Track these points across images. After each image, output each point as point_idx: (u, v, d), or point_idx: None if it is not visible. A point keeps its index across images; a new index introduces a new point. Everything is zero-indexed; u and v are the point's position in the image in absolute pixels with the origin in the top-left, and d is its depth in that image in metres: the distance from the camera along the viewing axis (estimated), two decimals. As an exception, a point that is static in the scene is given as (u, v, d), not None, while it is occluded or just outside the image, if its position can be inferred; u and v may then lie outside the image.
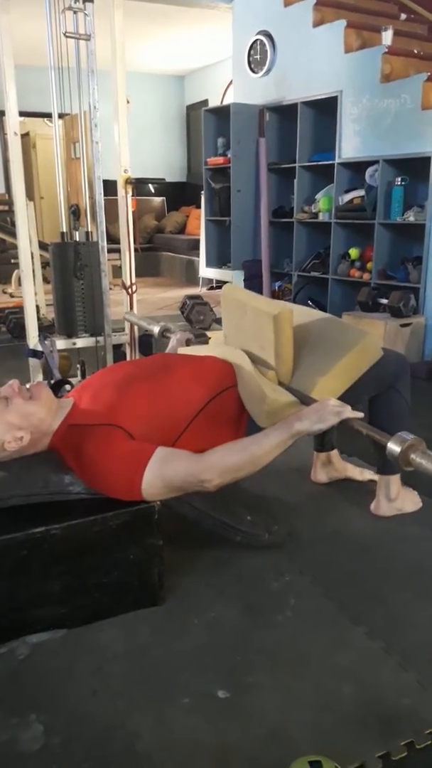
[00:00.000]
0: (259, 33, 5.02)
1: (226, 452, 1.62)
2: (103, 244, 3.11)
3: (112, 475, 1.60)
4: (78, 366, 3.41)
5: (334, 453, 2.41)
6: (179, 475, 1.58)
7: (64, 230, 3.33)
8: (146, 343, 3.38)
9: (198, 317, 3.70)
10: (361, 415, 1.61)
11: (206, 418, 1.77)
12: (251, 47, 5.14)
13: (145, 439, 1.64)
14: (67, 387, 2.06)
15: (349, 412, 1.58)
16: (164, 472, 1.58)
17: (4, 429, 1.60)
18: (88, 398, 1.77)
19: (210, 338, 2.35)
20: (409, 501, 2.21)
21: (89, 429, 1.65)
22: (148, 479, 1.57)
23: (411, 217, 4.05)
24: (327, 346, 1.87)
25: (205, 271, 6.65)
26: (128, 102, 3.23)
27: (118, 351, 3.41)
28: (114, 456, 1.60)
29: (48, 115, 3.27)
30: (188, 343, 2.29)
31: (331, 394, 1.74)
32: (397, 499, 2.16)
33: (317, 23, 4.56)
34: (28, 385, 1.70)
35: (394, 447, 1.45)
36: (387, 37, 4.19)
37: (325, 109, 4.62)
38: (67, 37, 2.94)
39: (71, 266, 3.18)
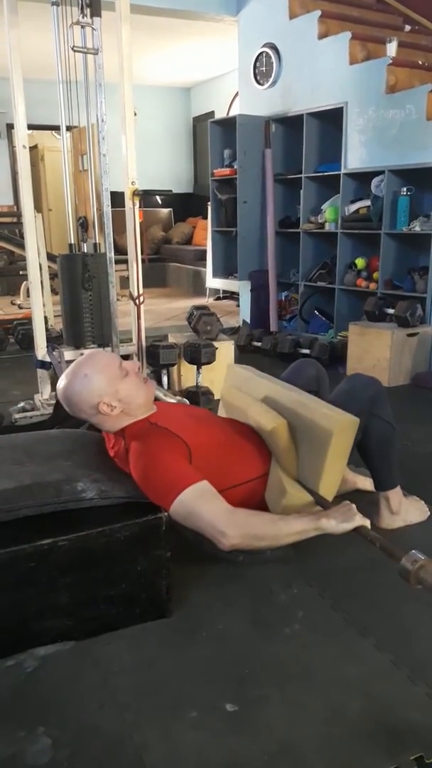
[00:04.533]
0: (264, 45, 5.05)
1: (255, 517, 1.70)
2: (111, 255, 3.12)
3: (156, 478, 1.68)
4: (85, 377, 3.41)
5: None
6: (206, 516, 1.63)
7: (72, 242, 3.36)
8: (154, 354, 3.39)
9: (205, 328, 3.70)
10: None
11: (245, 492, 1.86)
12: (257, 59, 5.17)
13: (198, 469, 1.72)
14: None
15: (367, 522, 1.68)
16: (196, 504, 1.64)
17: (110, 391, 1.73)
18: (167, 417, 1.86)
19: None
20: (415, 511, 2.20)
21: (164, 431, 1.76)
22: (181, 500, 1.63)
23: (417, 227, 4.05)
24: (310, 440, 1.87)
25: (212, 282, 6.68)
26: (135, 114, 3.25)
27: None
28: (167, 463, 1.69)
29: (56, 128, 3.30)
30: None
31: (337, 479, 1.87)
32: (400, 511, 2.15)
33: (322, 35, 4.59)
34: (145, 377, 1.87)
35: (407, 565, 1.46)
36: (392, 48, 4.20)
37: (331, 120, 4.64)
38: (75, 51, 2.97)
39: (79, 277, 3.19)
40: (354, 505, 1.71)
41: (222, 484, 1.76)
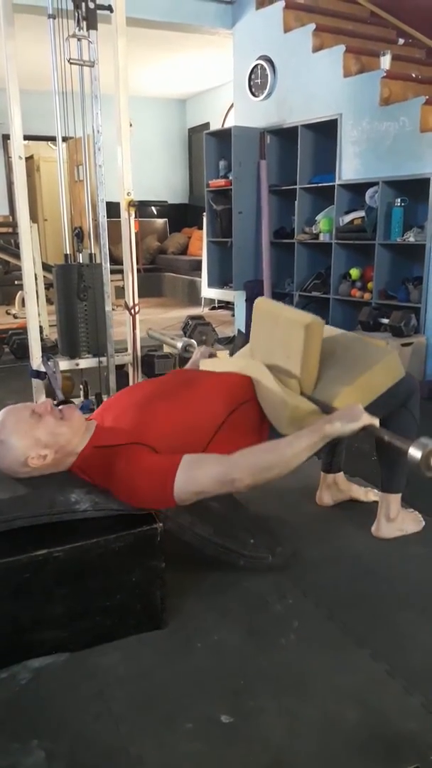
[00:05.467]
0: (259, 58, 5.09)
1: (256, 452, 1.65)
2: (106, 265, 3.13)
3: (144, 489, 1.63)
4: (81, 387, 3.42)
5: (340, 476, 2.40)
6: (210, 476, 1.59)
7: (68, 252, 3.36)
8: (149, 363, 3.39)
9: (200, 337, 3.72)
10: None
11: (229, 430, 1.80)
12: (252, 72, 5.21)
13: (171, 453, 1.67)
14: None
15: (376, 421, 1.65)
16: (194, 475, 1.60)
17: (30, 444, 1.63)
18: (110, 419, 1.80)
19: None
20: (411, 521, 2.21)
21: (115, 449, 1.68)
22: (180, 485, 1.59)
23: (411, 237, 4.07)
24: (350, 360, 1.90)
25: (207, 292, 6.68)
26: (131, 125, 3.27)
27: (121, 371, 3.42)
28: (142, 471, 1.63)
29: (52, 139, 3.31)
30: (211, 356, 2.30)
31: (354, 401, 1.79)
32: (396, 519, 2.16)
33: (317, 48, 4.63)
34: (59, 407, 1.74)
35: (415, 452, 1.45)
36: (385, 61, 4.24)
37: (325, 132, 4.67)
38: (71, 63, 2.99)
39: (74, 287, 3.20)
40: (360, 404, 1.67)
41: (202, 441, 1.74)
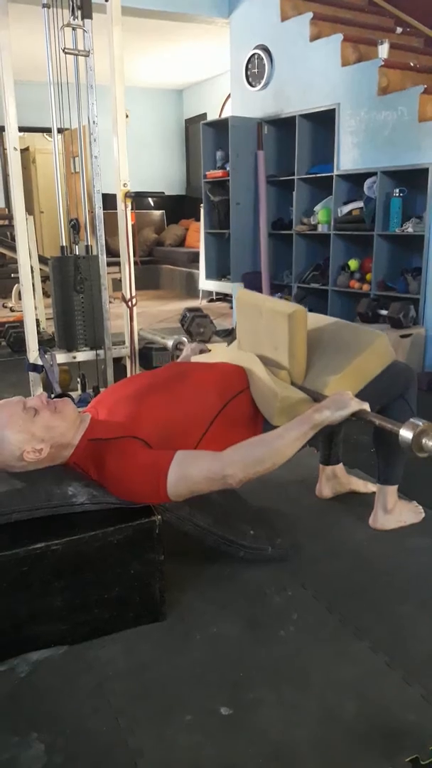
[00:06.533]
0: (256, 47, 5.06)
1: (247, 446, 1.65)
2: (103, 257, 3.12)
3: (137, 484, 1.62)
4: (78, 380, 3.41)
5: (339, 467, 2.40)
6: (202, 473, 1.59)
7: (64, 244, 3.35)
8: (146, 356, 3.38)
9: (198, 330, 3.71)
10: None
11: (224, 422, 1.80)
12: (249, 61, 5.18)
13: (165, 447, 1.66)
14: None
15: (366, 405, 1.65)
16: (187, 472, 1.59)
17: (26, 439, 1.62)
18: (104, 412, 1.79)
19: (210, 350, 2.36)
20: (410, 513, 2.20)
21: (109, 443, 1.67)
22: (172, 481, 1.59)
23: (410, 228, 4.06)
24: (340, 347, 1.90)
25: (205, 284, 6.66)
26: (127, 116, 3.25)
27: (119, 364, 3.42)
28: (135, 466, 1.62)
29: (47, 130, 3.29)
30: (201, 352, 2.30)
31: (345, 387, 1.80)
32: (394, 510, 2.15)
33: (314, 37, 4.60)
34: (54, 400, 1.73)
35: (406, 433, 1.45)
36: (383, 50, 4.21)
37: (323, 122, 4.65)
38: (66, 53, 2.96)
39: (71, 280, 3.19)
40: (349, 392, 1.68)
41: (197, 434, 1.74)
